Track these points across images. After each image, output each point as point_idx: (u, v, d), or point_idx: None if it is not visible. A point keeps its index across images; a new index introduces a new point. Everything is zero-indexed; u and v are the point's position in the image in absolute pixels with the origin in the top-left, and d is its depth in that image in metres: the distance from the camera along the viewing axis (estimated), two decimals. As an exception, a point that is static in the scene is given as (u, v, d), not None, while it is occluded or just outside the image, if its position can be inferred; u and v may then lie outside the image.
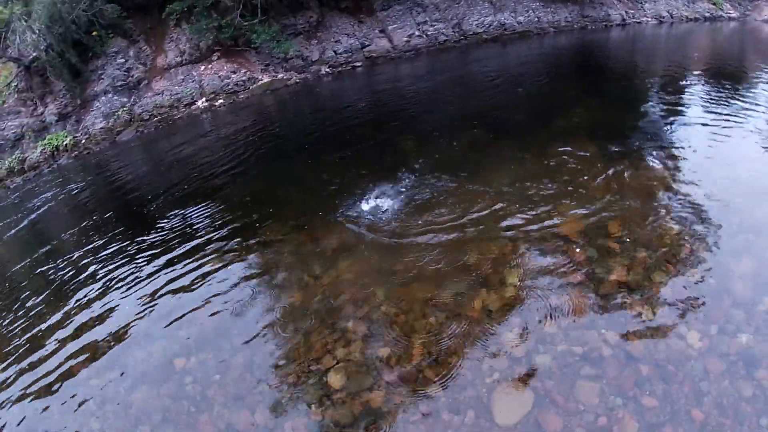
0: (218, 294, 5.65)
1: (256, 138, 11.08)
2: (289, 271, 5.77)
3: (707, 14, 37.64)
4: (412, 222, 6.27)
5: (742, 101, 10.83)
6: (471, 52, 19.70)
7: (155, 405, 4.42)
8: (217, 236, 6.94)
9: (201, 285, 5.94)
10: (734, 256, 5.16)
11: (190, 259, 6.51)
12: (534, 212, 6.12)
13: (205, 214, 7.79)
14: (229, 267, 6.11)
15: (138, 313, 5.82)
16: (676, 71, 16.60)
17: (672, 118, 9.95)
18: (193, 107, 14.30)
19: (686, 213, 5.92)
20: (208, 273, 6.09)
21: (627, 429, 3.41)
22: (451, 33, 20.17)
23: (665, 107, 11.15)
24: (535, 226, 5.80)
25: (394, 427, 3.64)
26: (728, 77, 14.87)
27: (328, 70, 15.88)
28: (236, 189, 8.43)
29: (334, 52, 16.41)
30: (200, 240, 6.99)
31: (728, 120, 9.26)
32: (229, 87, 14.49)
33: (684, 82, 14.00)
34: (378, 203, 6.84)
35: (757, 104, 10.38)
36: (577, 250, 5.32)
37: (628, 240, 5.43)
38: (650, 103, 11.86)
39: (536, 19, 24.67)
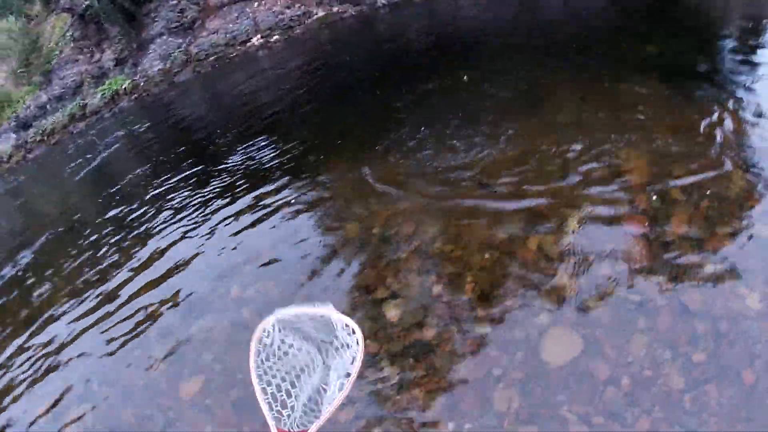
0: (279, 225, 5.67)
1: (313, 74, 10.77)
2: (348, 204, 5.67)
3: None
4: (472, 159, 5.95)
5: None
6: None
7: (217, 334, 4.48)
8: (278, 171, 6.89)
9: (260, 219, 5.93)
10: None
11: (249, 196, 6.54)
12: (599, 153, 5.71)
13: (266, 151, 7.73)
14: (291, 199, 6.08)
15: (201, 246, 6.01)
16: (759, 14, 15.05)
17: (756, 68, 8.74)
18: (249, 45, 14.00)
19: (755, 167, 5.33)
20: (270, 206, 6.08)
21: (673, 383, 3.23)
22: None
23: (748, 54, 9.90)
24: (599, 168, 5.41)
25: (443, 360, 3.59)
26: None
27: (384, 1, 15.21)
28: (296, 125, 8.25)
29: (390, -18, 15.72)
30: (262, 175, 6.94)
31: None
32: (284, 23, 14.07)
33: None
34: (439, 140, 6.54)
35: None
36: (641, 196, 4.91)
37: (694, 190, 4.96)
38: (733, 48, 10.57)
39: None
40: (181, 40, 15.00)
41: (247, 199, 6.50)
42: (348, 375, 2.07)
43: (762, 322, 3.62)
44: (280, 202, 6.12)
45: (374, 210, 5.36)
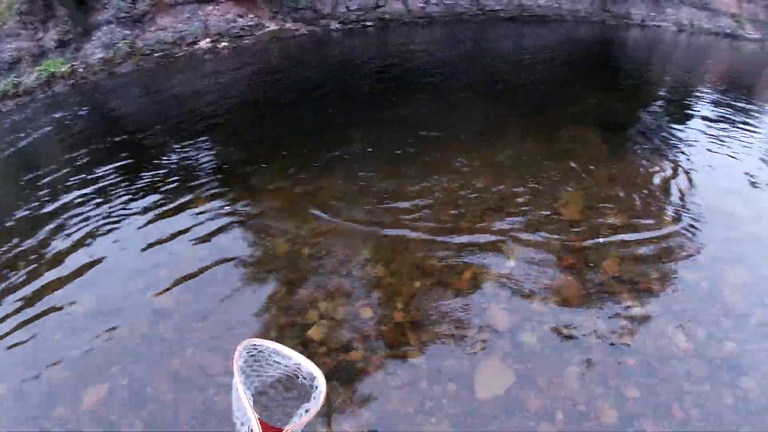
0: (204, 235, 5.47)
1: (257, 84, 10.82)
2: (280, 220, 5.56)
3: (728, 31, 37.19)
4: (409, 184, 6.16)
5: (749, 123, 11.02)
6: (487, 28, 19.58)
7: (130, 343, 4.21)
8: (208, 177, 6.74)
9: (187, 224, 5.73)
10: (729, 264, 5.25)
11: (179, 199, 6.32)
12: (536, 191, 6.14)
13: (199, 155, 7.57)
14: (219, 209, 5.94)
15: (121, 247, 5.71)
16: (689, 82, 16.60)
17: (680, 125, 10.12)
18: (196, 47, 13.95)
19: (686, 216, 6.01)
20: (197, 213, 5.90)
21: (606, 418, 3.40)
22: (468, 5, 19.88)
23: (674, 114, 11.35)
24: (535, 205, 5.82)
25: (372, 388, 3.50)
26: (739, 97, 14.75)
27: (338, 26, 15.57)
28: (235, 133, 8.18)
29: (347, 8, 16.08)
30: (189, 180, 6.74)
31: (732, 137, 9.61)
32: (235, 30, 14.13)
33: (695, 94, 14.28)
34: (379, 166, 6.69)
35: (761, 128, 10.66)
36: (574, 235, 5.34)
37: (625, 233, 5.47)
38: (661, 107, 12.05)
39: (557, 4, 24.38)
40: (128, 32, 14.79)
41: (175, 203, 6.27)
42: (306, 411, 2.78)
43: (689, 361, 3.95)
44: (211, 209, 5.96)
45: (306, 228, 5.32)
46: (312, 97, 9.52)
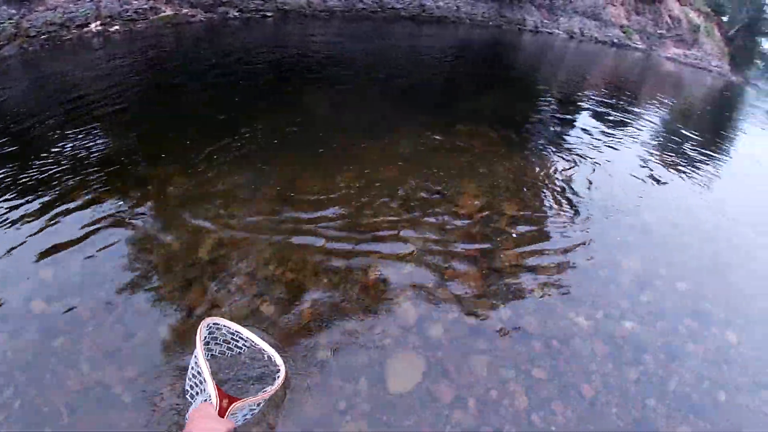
0: (90, 233, 4.67)
1: (149, 73, 10.28)
2: (173, 215, 5.01)
3: (616, 40, 40.12)
4: (309, 177, 5.99)
5: (631, 122, 12.71)
6: (386, 26, 20.00)
7: (18, 360, 3.50)
8: (96, 170, 5.92)
9: (70, 223, 4.87)
10: (621, 251, 5.72)
11: (60, 193, 5.41)
12: (434, 184, 6.25)
13: (83, 146, 6.73)
14: (104, 204, 5.13)
15: None
16: (578, 84, 18.21)
17: (569, 124, 11.05)
18: (86, 30, 13.29)
19: (579, 207, 6.50)
20: (80, 208, 5.03)
21: (518, 401, 3.51)
22: (369, 2, 20.28)
23: (564, 113, 12.29)
24: (433, 198, 5.92)
25: (280, 392, 3.22)
26: (623, 99, 16.46)
27: (236, 13, 15.40)
28: (122, 123, 7.43)
29: (248, -5, 15.90)
30: (72, 173, 5.84)
31: (617, 135, 10.84)
32: (128, 14, 13.59)
33: (584, 95, 15.65)
34: (276, 155, 6.51)
35: (642, 128, 12.40)
36: (474, 227, 5.46)
37: (522, 223, 5.73)
38: (552, 106, 12.95)
39: (455, 7, 25.35)
40: (14, 11, 13.93)
41: (50, 202, 5.27)
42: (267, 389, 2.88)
43: (592, 341, 4.21)
44: (95, 205, 5.13)
45: (202, 228, 4.84)
46: (207, 88, 9.16)
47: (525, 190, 6.60)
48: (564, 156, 8.41)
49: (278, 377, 3.02)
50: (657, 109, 17.22)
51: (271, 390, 2.86)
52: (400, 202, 5.71)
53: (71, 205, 5.12)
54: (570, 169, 7.80)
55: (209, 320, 2.93)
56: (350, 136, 7.41)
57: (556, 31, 33.80)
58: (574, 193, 6.87)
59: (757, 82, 76.99)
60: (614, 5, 40.44)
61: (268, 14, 16.41)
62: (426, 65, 14.85)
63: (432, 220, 5.43)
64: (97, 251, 4.46)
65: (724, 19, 57.14)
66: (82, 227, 4.77)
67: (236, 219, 4.98)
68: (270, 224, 5.00)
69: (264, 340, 3.21)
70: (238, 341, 3.13)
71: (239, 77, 9.96)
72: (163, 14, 14.04)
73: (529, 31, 31.08)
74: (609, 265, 5.38)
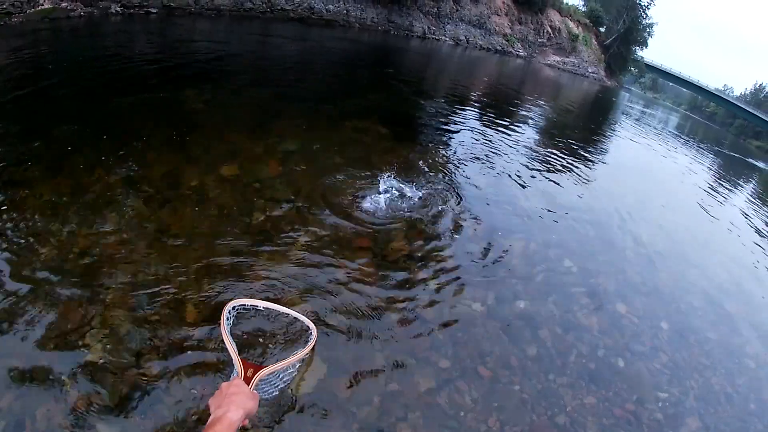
0: None
1: (22, 69, 9.58)
2: (41, 221, 4.39)
3: (499, 47, 42.66)
4: (189, 173, 5.63)
5: (509, 121, 13.89)
6: (275, 26, 20.45)
7: None
8: None
9: None
10: (507, 236, 6.02)
11: None
12: (321, 178, 6.17)
13: None
14: None
15: None
16: (461, 86, 19.60)
17: (452, 122, 11.71)
18: None
19: (464, 195, 6.81)
20: None
21: (422, 390, 3.47)
22: (258, 2, 20.75)
23: (448, 112, 13.04)
24: (323, 193, 5.78)
25: (173, 410, 2.92)
26: (504, 101, 18.02)
27: (118, 9, 15.23)
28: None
29: (131, -9, 15.79)
30: None
31: (496, 131, 11.75)
32: (4, 6, 12.99)
33: (466, 96, 16.88)
34: (155, 151, 6.07)
35: (522, 126, 13.62)
36: (364, 219, 5.43)
37: (412, 215, 5.77)
38: (436, 105, 13.84)
39: (345, 11, 26.25)
40: None
41: None
42: (298, 351, 2.94)
43: (486, 323, 4.30)
44: None
45: (79, 225, 4.38)
46: (82, 89, 8.28)
47: (413, 183, 6.62)
48: (448, 151, 8.95)
49: (310, 340, 3.10)
50: (537, 109, 19.07)
51: (300, 353, 2.87)
52: (286, 198, 5.52)
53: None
54: (455, 162, 8.28)
55: (232, 303, 3.01)
56: (234, 133, 7.18)
57: (443, 37, 35.57)
58: (458, 185, 7.16)
59: (631, 86, 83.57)
60: (498, 15, 42.95)
61: (153, 11, 16.32)
62: (312, 65, 15.36)
63: (321, 215, 5.31)
64: None
65: (602, 29, 61.75)
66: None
67: (111, 222, 4.49)
68: (143, 223, 4.60)
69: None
70: (265, 312, 3.28)
71: (117, 75, 9.30)
72: (41, 8, 13.69)
73: (417, 37, 32.60)
74: (497, 250, 5.58)
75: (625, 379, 4.22)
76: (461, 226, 5.90)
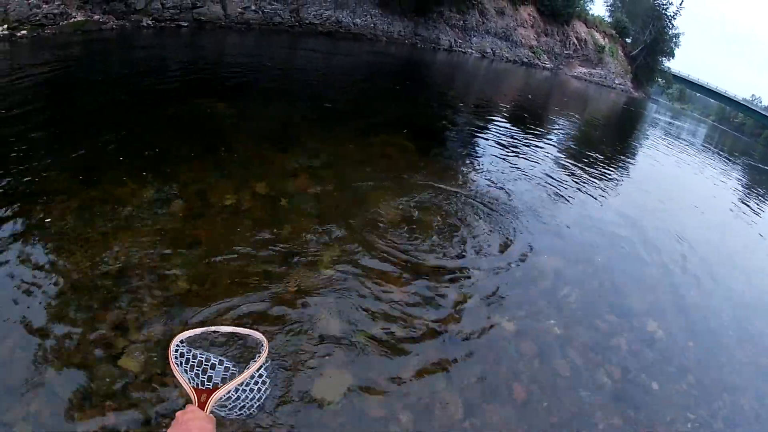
0: None
1: (56, 80, 9.57)
2: (74, 231, 4.41)
3: (525, 59, 42.26)
4: (222, 188, 5.62)
5: (537, 132, 13.91)
6: (303, 40, 20.53)
7: None
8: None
9: None
10: (541, 254, 5.95)
11: None
12: (351, 194, 6.17)
13: None
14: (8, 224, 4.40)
15: None
16: (489, 99, 19.58)
17: (481, 135, 11.68)
18: None
19: (497, 213, 6.68)
20: None
21: (451, 408, 3.43)
22: (287, 17, 20.71)
23: (476, 125, 13.03)
24: (352, 209, 5.76)
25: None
26: (531, 114, 17.88)
27: (150, 22, 15.33)
28: (17, 131, 6.43)
29: (162, 4, 15.81)
30: None
31: (526, 144, 11.75)
32: (37, 18, 13.27)
33: (494, 109, 16.88)
34: (185, 162, 6.07)
35: (551, 138, 13.63)
36: (394, 235, 5.39)
37: (441, 231, 5.77)
38: (464, 118, 13.83)
39: (372, 24, 26.15)
40: None
41: None
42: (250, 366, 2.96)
43: (518, 342, 4.25)
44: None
45: (112, 237, 4.38)
46: (115, 100, 8.46)
47: (442, 198, 6.67)
48: (479, 166, 8.83)
49: (261, 352, 3.02)
50: (565, 122, 18.74)
51: (252, 367, 2.66)
52: (316, 213, 5.50)
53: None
54: (485, 177, 8.17)
55: (179, 336, 2.70)
56: (266, 147, 7.25)
57: (470, 50, 35.33)
58: (490, 200, 7.07)
59: (658, 97, 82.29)
60: (524, 27, 42.63)
61: (184, 24, 16.42)
62: (341, 79, 15.29)
63: (350, 230, 5.29)
64: None
65: (628, 40, 61.02)
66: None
67: (143, 235, 4.49)
68: (177, 234, 4.62)
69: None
70: (215, 337, 3.15)
71: (149, 88, 9.53)
72: (73, 20, 13.80)
73: (444, 49, 32.39)
74: (528, 267, 5.58)
75: (654, 399, 4.15)
76: (492, 242, 5.86)
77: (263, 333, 3.00)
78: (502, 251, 5.69)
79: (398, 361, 3.70)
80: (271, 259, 4.54)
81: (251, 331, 3.08)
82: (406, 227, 5.63)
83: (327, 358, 3.58)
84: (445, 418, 3.36)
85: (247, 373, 2.63)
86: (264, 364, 2.86)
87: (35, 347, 3.20)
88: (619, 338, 4.85)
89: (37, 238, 4.21)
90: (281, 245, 4.77)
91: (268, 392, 2.84)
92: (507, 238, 6.04)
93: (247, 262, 4.41)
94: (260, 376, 2.78)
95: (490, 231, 6.11)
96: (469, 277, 5.01)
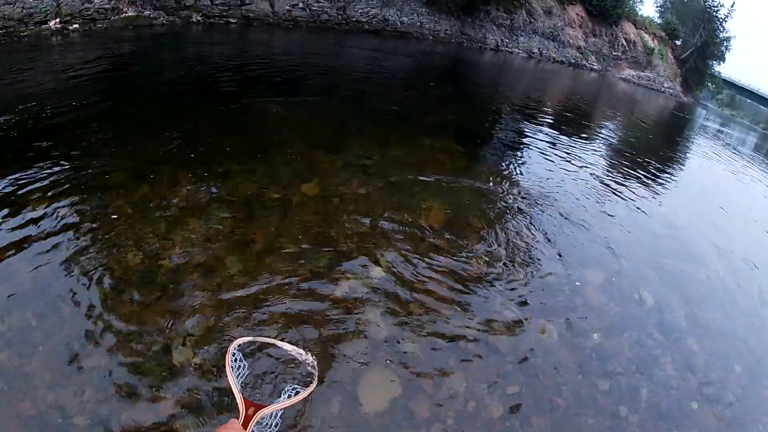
0: (43, 245, 4.13)
1: (109, 75, 9.69)
2: (129, 227, 4.48)
3: (573, 60, 41.34)
4: (273, 188, 5.65)
5: (589, 139, 13.44)
6: (350, 38, 20.27)
7: None
8: (44, 176, 5.16)
9: (22, 233, 4.28)
10: (585, 266, 5.81)
11: (11, 201, 4.71)
12: (401, 198, 6.14)
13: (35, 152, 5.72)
14: (57, 214, 4.55)
15: None
16: (536, 100, 18.81)
17: (531, 138, 11.38)
18: (44, 27, 12.89)
19: (545, 222, 6.59)
20: (33, 220, 4.43)
21: (494, 415, 3.47)
22: (334, 14, 20.47)
23: (524, 129, 12.59)
24: (401, 212, 5.76)
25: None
26: (579, 117, 17.23)
27: (199, 18, 15.29)
28: (76, 127, 6.52)
29: (211, 1, 15.76)
30: (23, 181, 5.08)
31: (575, 148, 11.40)
32: (89, 12, 13.30)
33: (542, 112, 16.11)
34: (237, 162, 6.08)
35: (599, 144, 13.19)
36: (440, 240, 5.39)
37: (489, 238, 5.72)
38: (514, 121, 13.32)
39: (419, 23, 25.77)
40: (-31, 3, 13.62)
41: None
42: (298, 392, 2.88)
43: (561, 352, 4.25)
44: (45, 215, 4.48)
45: (165, 235, 4.46)
46: (166, 96, 8.63)
47: (490, 204, 6.65)
48: (526, 170, 8.57)
49: (313, 380, 3.02)
50: (613, 127, 18.03)
51: (303, 393, 2.85)
52: (366, 215, 5.53)
53: (24, 216, 4.45)
54: (533, 183, 7.94)
55: (238, 341, 2.98)
56: (313, 148, 7.19)
57: (516, 50, 34.65)
58: (538, 208, 6.98)
59: (707, 102, 79.96)
60: (572, 27, 41.71)
61: (232, 21, 16.36)
62: (388, 78, 15.05)
63: (399, 234, 5.31)
64: (44, 262, 3.89)
65: (678, 42, 59.36)
66: (27, 234, 4.20)
67: (196, 232, 4.58)
68: (231, 238, 4.65)
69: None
70: (270, 351, 3.27)
71: (199, 85, 9.62)
72: (124, 15, 13.83)
73: (491, 49, 31.84)
74: (574, 278, 5.46)
75: (694, 421, 4.08)
76: (536, 250, 5.78)
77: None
78: (546, 262, 5.59)
79: (443, 367, 3.73)
80: (320, 259, 4.58)
81: (308, 355, 3.16)
82: (452, 231, 5.62)
83: (372, 361, 3.61)
84: (488, 424, 3.40)
85: (297, 398, 2.81)
86: (310, 394, 2.95)
87: (89, 337, 3.31)
88: (663, 356, 4.73)
89: (91, 233, 4.30)
90: (330, 246, 4.81)
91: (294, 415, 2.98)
92: (552, 247, 5.96)
93: (297, 262, 4.46)
94: (303, 401, 2.95)
95: (535, 239, 6.05)
96: (513, 287, 4.94)
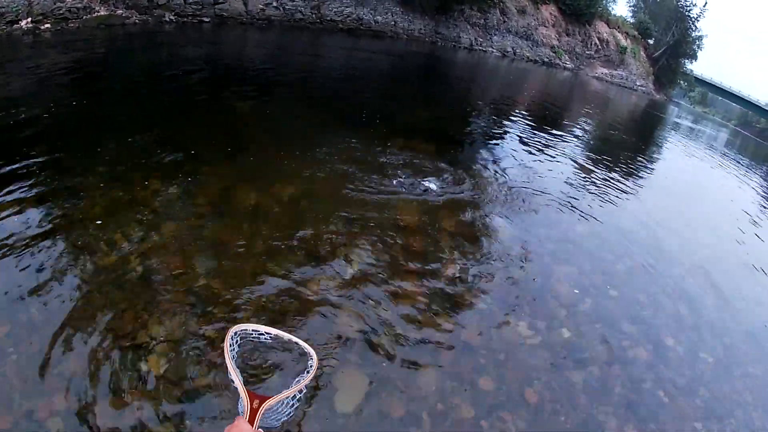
0: (10, 248, 4.01)
1: (80, 76, 9.55)
2: (101, 229, 4.44)
3: (546, 59, 41.90)
4: (245, 189, 5.69)
5: (561, 137, 13.75)
6: (324, 37, 20.47)
7: None
8: (13, 179, 5.01)
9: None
10: (556, 262, 5.98)
11: None
12: (373, 199, 6.14)
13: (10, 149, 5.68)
14: (26, 215, 4.46)
15: None
16: (509, 99, 19.32)
17: (503, 137, 11.71)
18: (15, 26, 12.89)
19: (516, 221, 6.71)
20: (1, 224, 4.30)
21: (465, 413, 3.47)
22: (308, 13, 20.65)
23: (498, 126, 13.01)
24: (373, 213, 5.78)
25: (225, 420, 2.93)
26: (552, 115, 17.82)
27: (172, 17, 15.35)
28: (46, 128, 6.47)
29: (184, 0, 15.87)
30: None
31: (548, 146, 11.69)
32: (61, 11, 13.28)
33: (515, 109, 16.60)
34: (209, 163, 6.07)
35: (571, 142, 13.49)
36: (413, 240, 5.44)
37: (460, 236, 5.82)
38: (486, 120, 13.70)
39: (393, 22, 26.06)
40: (-62, 1, 13.58)
41: None
42: (301, 378, 2.89)
43: (532, 348, 4.29)
44: (12, 215, 4.38)
45: (135, 236, 4.42)
46: (137, 96, 8.63)
47: (462, 204, 6.70)
48: (498, 170, 8.72)
49: (311, 366, 2.99)
50: (586, 124, 18.44)
51: (303, 381, 2.83)
52: (339, 215, 5.56)
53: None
54: (504, 182, 8.09)
55: (234, 328, 2.94)
56: (285, 149, 7.14)
57: (490, 49, 35.10)
58: (509, 206, 7.09)
59: (680, 100, 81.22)
60: (546, 26, 42.24)
61: (205, 20, 16.43)
62: (362, 78, 15.26)
63: (372, 234, 5.33)
64: (12, 266, 3.81)
65: (650, 41, 60.24)
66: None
67: (167, 235, 4.53)
68: (201, 232, 4.67)
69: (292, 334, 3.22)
70: (266, 340, 3.15)
71: (171, 84, 9.67)
72: (97, 14, 13.84)
73: (464, 48, 32.22)
74: (545, 275, 5.61)
75: (667, 411, 4.15)
76: (508, 250, 5.85)
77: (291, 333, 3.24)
78: (517, 260, 5.69)
79: (415, 366, 3.75)
80: (293, 259, 4.60)
81: (304, 343, 3.16)
82: (425, 231, 5.69)
83: (346, 358, 3.64)
84: (460, 421, 3.42)
85: (299, 385, 2.80)
86: (312, 379, 2.96)
87: (61, 342, 3.24)
88: (635, 349, 4.83)
89: (62, 237, 4.24)
90: (303, 246, 4.83)
91: (297, 406, 2.89)
92: (523, 247, 6.03)
93: (269, 263, 4.47)
94: (304, 388, 2.91)
95: (508, 237, 6.14)
96: (485, 285, 5.03)
